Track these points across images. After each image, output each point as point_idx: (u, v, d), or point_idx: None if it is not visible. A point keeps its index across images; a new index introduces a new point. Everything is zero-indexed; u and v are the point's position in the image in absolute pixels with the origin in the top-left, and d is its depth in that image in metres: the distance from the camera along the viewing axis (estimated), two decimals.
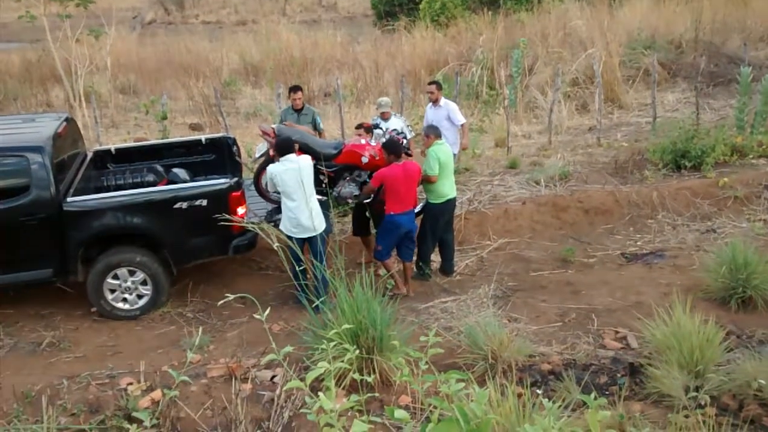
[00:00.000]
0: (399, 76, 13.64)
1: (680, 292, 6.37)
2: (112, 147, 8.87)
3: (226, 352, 6.38)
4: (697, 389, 5.02)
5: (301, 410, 5.02)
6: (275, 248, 5.24)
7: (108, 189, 7.89)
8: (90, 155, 8.40)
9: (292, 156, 7.00)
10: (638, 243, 8.79)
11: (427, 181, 7.65)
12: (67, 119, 7.91)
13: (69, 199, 6.99)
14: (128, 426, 4.77)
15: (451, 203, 7.92)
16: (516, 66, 14.00)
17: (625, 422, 4.19)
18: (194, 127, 13.49)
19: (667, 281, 7.50)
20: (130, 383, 5.77)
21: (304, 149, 7.51)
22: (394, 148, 7.38)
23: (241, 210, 7.23)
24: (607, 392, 5.43)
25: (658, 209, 9.43)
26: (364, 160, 7.79)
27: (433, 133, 7.79)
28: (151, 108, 12.11)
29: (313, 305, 5.73)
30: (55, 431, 4.80)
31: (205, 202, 7.16)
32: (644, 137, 11.84)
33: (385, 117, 8.92)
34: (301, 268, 5.86)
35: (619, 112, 13.88)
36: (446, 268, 8.16)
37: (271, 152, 7.65)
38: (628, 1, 18.48)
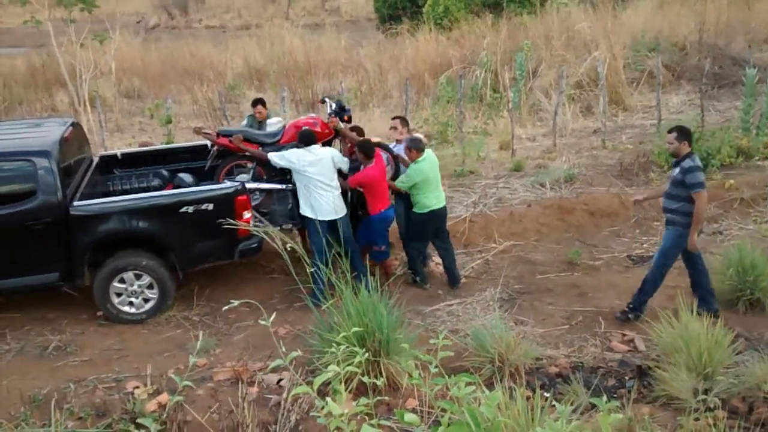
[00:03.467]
0: (403, 80, 13.63)
1: (687, 295, 6.36)
2: (119, 152, 8.89)
3: (232, 356, 6.38)
4: (706, 392, 5.00)
5: (310, 414, 5.01)
6: (280, 252, 5.25)
7: (114, 193, 7.91)
8: (96, 160, 8.43)
9: (314, 147, 7.29)
10: (644, 245, 8.77)
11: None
12: (73, 124, 7.93)
13: (75, 204, 7.00)
14: (136, 429, 4.78)
15: (436, 214, 7.58)
16: (520, 69, 13.99)
17: (635, 425, 4.17)
18: (198, 131, 13.47)
19: (673, 284, 7.45)
20: (137, 387, 5.78)
21: (251, 140, 7.96)
22: (367, 149, 7.34)
23: (247, 214, 7.23)
24: (615, 395, 5.42)
25: None
26: None
27: (415, 147, 7.44)
28: (156, 112, 12.15)
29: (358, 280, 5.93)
30: None
31: (211, 207, 7.16)
32: (649, 139, 11.82)
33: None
34: (314, 267, 5.89)
35: (624, 114, 13.87)
36: (451, 280, 7.88)
37: (215, 149, 8.11)
38: (632, 4, 18.47)
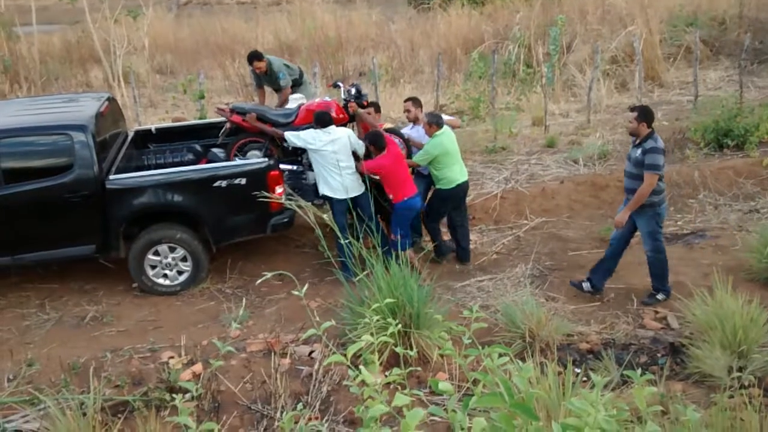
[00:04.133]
0: (435, 55, 13.52)
1: (722, 273, 6.24)
2: (153, 127, 9.00)
3: (264, 328, 6.48)
4: (740, 369, 4.94)
5: (343, 383, 5.08)
6: (313, 226, 5.29)
7: (149, 168, 8.02)
8: (131, 135, 8.54)
9: (331, 128, 7.28)
10: (679, 223, 8.64)
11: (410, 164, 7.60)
12: (108, 99, 8.03)
13: (111, 177, 7.11)
14: (171, 397, 4.89)
15: (461, 187, 7.61)
16: (553, 44, 13.75)
17: (667, 401, 4.14)
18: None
19: (708, 261, 7.37)
20: (171, 357, 5.90)
21: (265, 119, 7.97)
22: (376, 140, 7.26)
23: (279, 189, 7.28)
24: (647, 371, 5.37)
25: (700, 189, 9.25)
26: None
27: (435, 121, 7.43)
28: (189, 88, 12.20)
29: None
30: (101, 402, 4.92)
31: (243, 181, 7.22)
32: (685, 116, 11.59)
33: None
34: (346, 240, 5.93)
35: (660, 90, 13.60)
36: (462, 256, 7.89)
37: (228, 126, 8.10)
38: None
